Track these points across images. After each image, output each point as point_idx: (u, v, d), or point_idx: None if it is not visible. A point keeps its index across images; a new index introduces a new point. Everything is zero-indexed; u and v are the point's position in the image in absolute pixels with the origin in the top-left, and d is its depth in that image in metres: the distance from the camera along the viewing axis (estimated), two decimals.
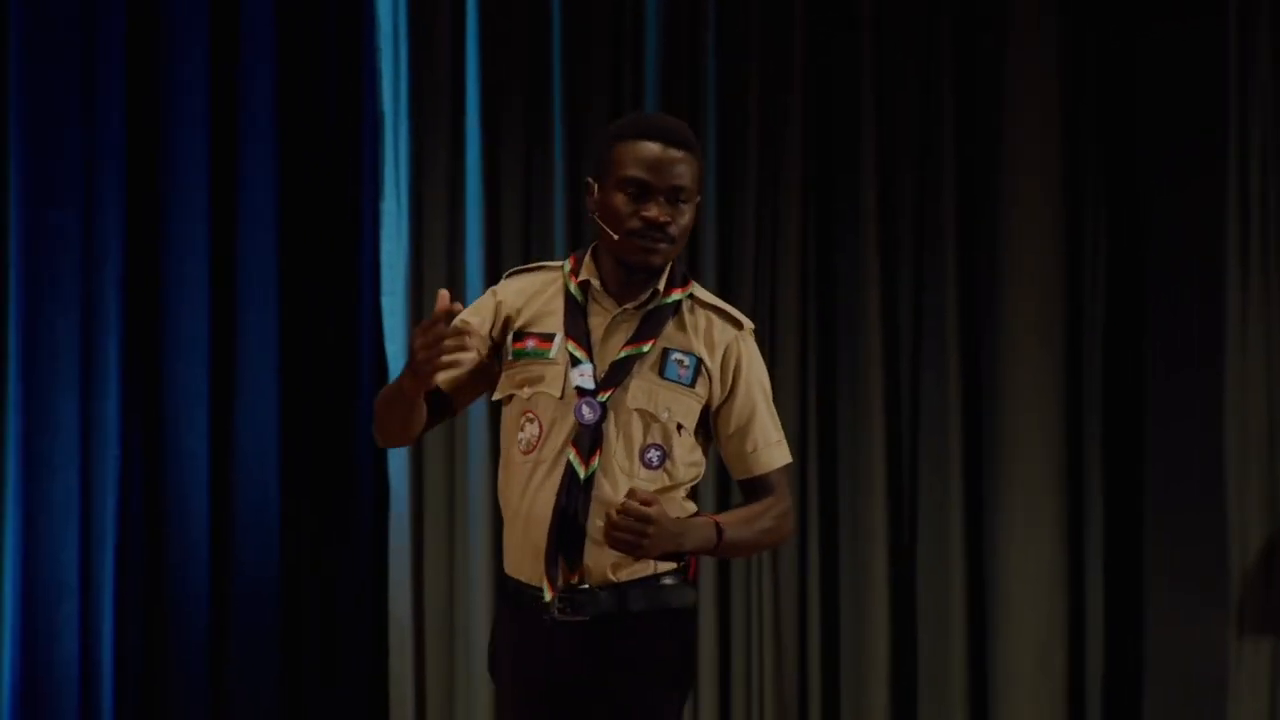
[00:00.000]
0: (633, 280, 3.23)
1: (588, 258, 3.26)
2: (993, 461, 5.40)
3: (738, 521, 3.26)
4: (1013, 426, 5.37)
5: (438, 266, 5.46)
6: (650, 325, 3.23)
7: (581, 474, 3.16)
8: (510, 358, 3.24)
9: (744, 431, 3.28)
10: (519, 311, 3.26)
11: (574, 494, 3.16)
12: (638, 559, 3.14)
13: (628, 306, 3.22)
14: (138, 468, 5.38)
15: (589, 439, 3.17)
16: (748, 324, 3.32)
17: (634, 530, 3.06)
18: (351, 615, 5.48)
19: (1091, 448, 5.37)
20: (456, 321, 3.09)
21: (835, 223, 5.51)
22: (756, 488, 3.32)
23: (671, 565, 3.22)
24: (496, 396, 3.25)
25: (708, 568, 5.41)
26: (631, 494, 3.08)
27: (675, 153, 3.18)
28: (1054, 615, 5.35)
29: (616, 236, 3.17)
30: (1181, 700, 5.30)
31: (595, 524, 3.15)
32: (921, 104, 5.46)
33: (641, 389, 3.21)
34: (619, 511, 3.07)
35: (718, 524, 3.21)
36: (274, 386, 5.45)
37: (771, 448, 3.31)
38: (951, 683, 5.38)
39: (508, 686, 3.26)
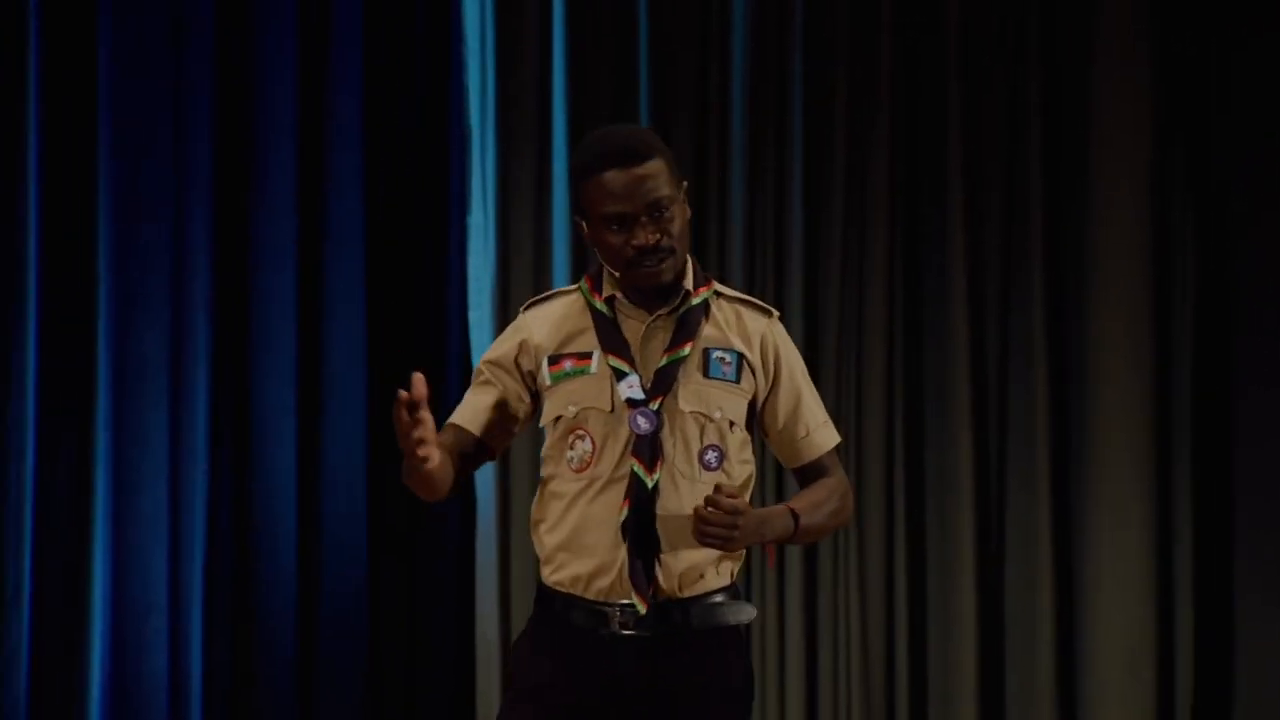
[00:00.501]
0: (660, 287, 3.20)
1: (605, 274, 3.22)
2: (1080, 475, 5.39)
3: (809, 507, 3.21)
4: (1101, 442, 5.35)
5: (524, 279, 5.46)
6: (686, 328, 3.19)
7: (649, 484, 3.13)
8: (549, 383, 3.19)
9: (794, 418, 3.27)
10: (547, 338, 3.21)
11: (642, 505, 3.13)
12: (729, 552, 3.12)
13: (660, 313, 3.19)
14: (226, 482, 5.39)
15: (649, 448, 3.14)
16: (774, 311, 3.31)
17: (725, 524, 3.02)
18: (438, 631, 5.48)
19: (1180, 465, 5.36)
20: (482, 364, 3.19)
21: (922, 236, 5.50)
22: (814, 472, 3.30)
23: (726, 581, 3.19)
24: (543, 422, 3.21)
25: (793, 578, 5.41)
26: (718, 489, 3.04)
27: (638, 170, 3.10)
28: (1144, 628, 5.33)
29: (619, 273, 3.16)
30: (1273, 716, 5.28)
31: (663, 535, 3.13)
32: (1008, 114, 5.45)
33: (691, 391, 3.18)
34: (708, 506, 3.03)
35: (793, 511, 3.17)
36: (361, 401, 5.45)
37: (821, 429, 3.30)
38: (1040, 693, 5.37)
39: (542, 707, 3.15)
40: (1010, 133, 5.45)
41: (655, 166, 3.11)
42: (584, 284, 3.24)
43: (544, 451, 3.22)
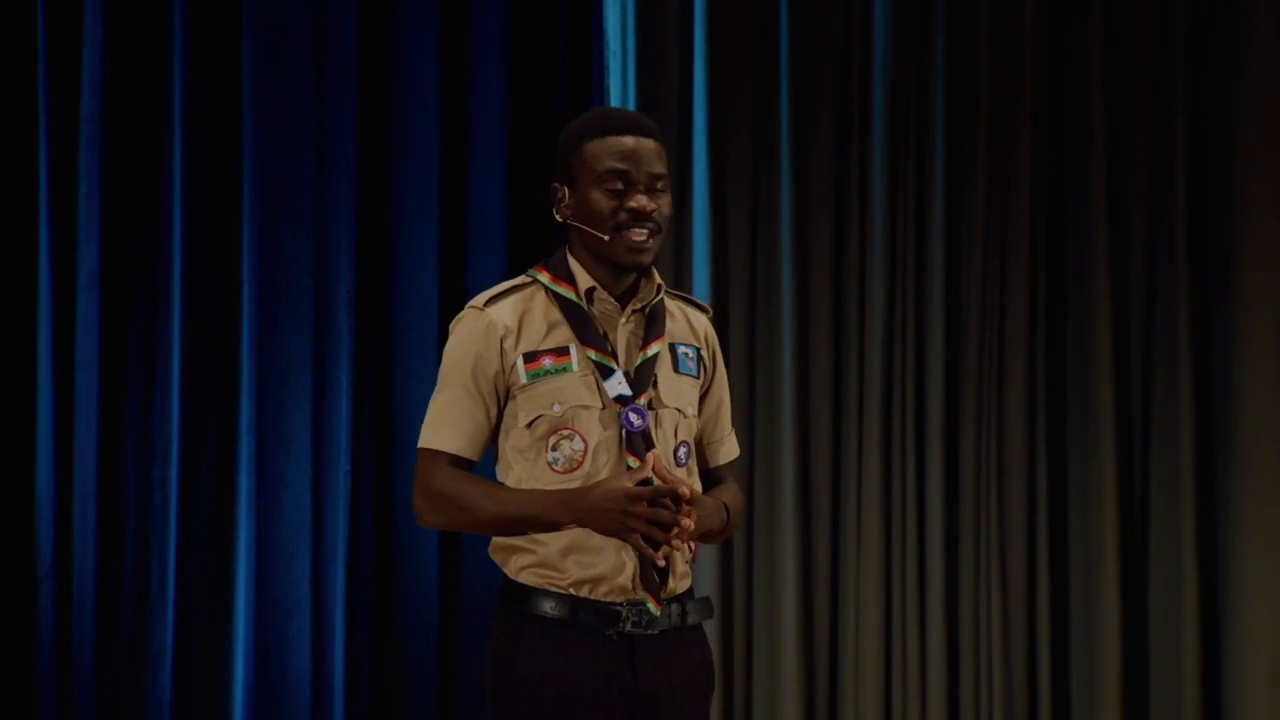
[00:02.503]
0: (624, 280, 3.16)
1: (572, 264, 3.17)
2: (1226, 482, 5.33)
3: (730, 503, 3.22)
4: (1247, 449, 5.31)
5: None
6: (656, 323, 3.17)
7: (650, 482, 3.09)
8: (525, 381, 3.12)
9: (717, 417, 3.28)
10: (518, 335, 3.14)
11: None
12: (713, 541, 3.15)
13: (637, 308, 3.16)
14: (368, 482, 5.41)
15: (644, 445, 3.11)
16: (709, 307, 3.32)
17: (687, 524, 3.03)
18: None
19: None
20: (459, 374, 3.12)
21: (1064, 244, 5.46)
22: (720, 477, 3.31)
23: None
24: (518, 423, 3.12)
25: (934, 584, 5.39)
26: (676, 490, 3.03)
27: (648, 142, 3.12)
28: None
29: (606, 236, 3.10)
30: None
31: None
32: (1154, 116, 5.41)
33: (670, 387, 3.16)
34: (687, 502, 3.03)
35: (725, 506, 3.19)
36: None
37: (729, 439, 3.33)
38: (1184, 704, 5.32)
39: (551, 711, 3.11)
40: (1155, 135, 5.40)
41: (659, 147, 3.14)
42: (542, 275, 3.18)
43: (508, 452, 3.15)
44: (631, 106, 5.46)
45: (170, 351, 5.28)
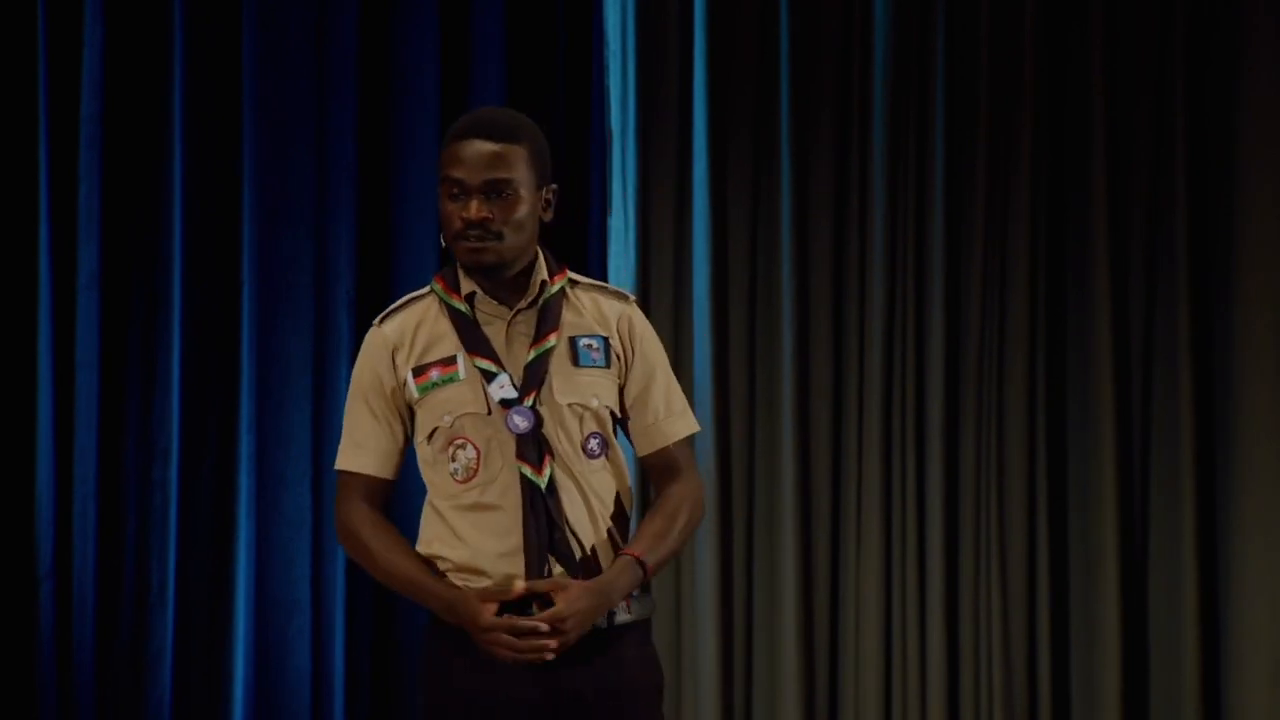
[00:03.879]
0: (510, 281, 3.13)
1: (459, 272, 3.15)
2: (1226, 482, 5.32)
3: (653, 542, 3.14)
4: (1248, 449, 5.28)
5: (664, 282, 5.48)
6: (548, 318, 3.14)
7: (541, 484, 3.08)
8: (417, 396, 3.11)
9: (644, 400, 3.19)
10: (409, 349, 3.13)
11: (539, 506, 3.08)
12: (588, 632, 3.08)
13: (520, 307, 3.13)
14: None
15: (534, 447, 3.09)
16: (632, 296, 3.28)
17: (556, 640, 3.02)
18: None
19: None
20: (359, 396, 3.15)
21: (1064, 244, 5.45)
22: (662, 466, 3.22)
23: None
24: (419, 438, 3.13)
25: (934, 586, 5.38)
26: (536, 608, 3.03)
27: (490, 146, 3.08)
28: None
29: (444, 242, 3.11)
30: None
31: (568, 533, 3.09)
32: (1154, 116, 5.39)
33: (565, 382, 3.12)
34: (524, 636, 3.01)
35: (638, 559, 3.11)
36: None
37: (674, 418, 3.22)
38: (1184, 704, 5.32)
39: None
40: (1155, 135, 5.39)
41: (513, 150, 3.09)
42: (436, 284, 3.17)
43: (423, 468, 3.16)
44: (631, 107, 5.45)
45: (170, 351, 5.28)
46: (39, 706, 5.10)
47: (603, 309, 3.21)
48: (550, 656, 3.02)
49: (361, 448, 3.15)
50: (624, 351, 3.20)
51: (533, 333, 3.13)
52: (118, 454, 5.25)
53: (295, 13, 5.37)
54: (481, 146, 3.08)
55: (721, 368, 5.45)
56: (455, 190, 3.08)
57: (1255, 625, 5.28)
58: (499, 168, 3.08)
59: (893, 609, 5.42)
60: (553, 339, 3.13)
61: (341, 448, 3.19)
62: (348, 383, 5.24)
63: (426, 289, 3.19)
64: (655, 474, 3.25)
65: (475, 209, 3.06)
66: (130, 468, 5.27)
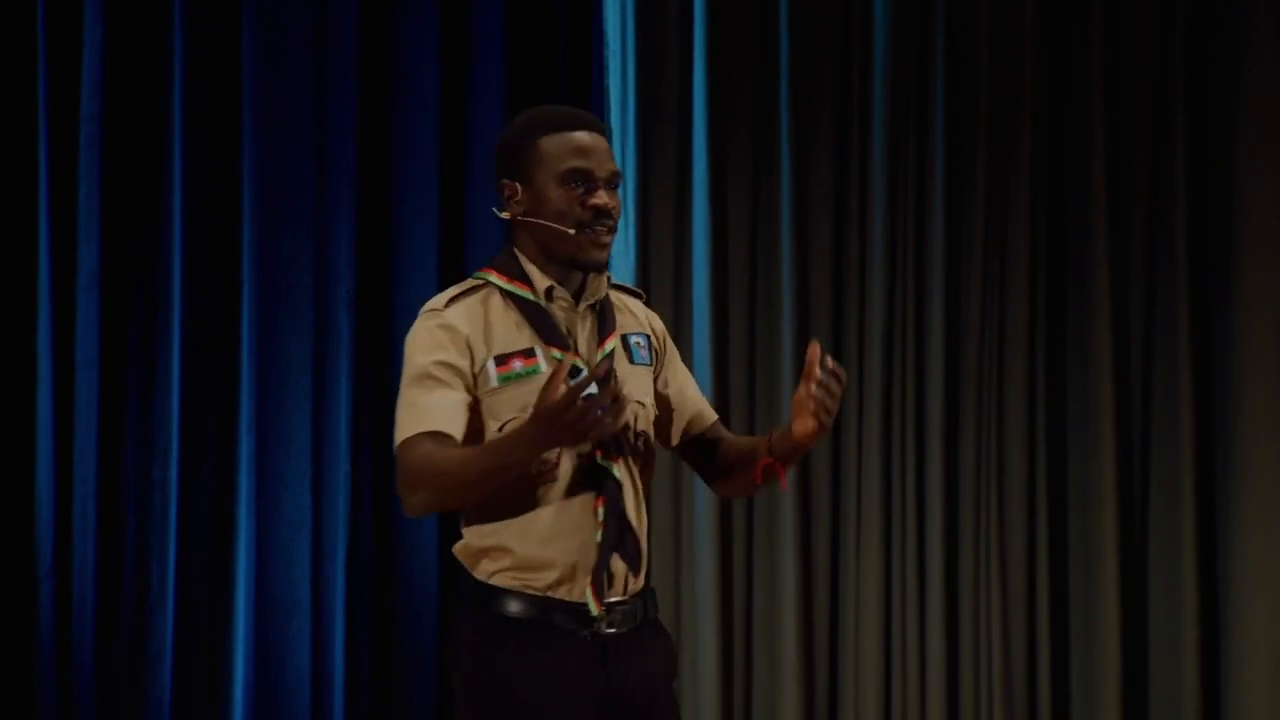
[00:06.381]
0: (576, 278, 3.11)
1: (524, 263, 3.11)
2: (1226, 481, 5.34)
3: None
4: (1247, 448, 5.31)
5: (664, 281, 5.48)
6: (607, 317, 3.13)
7: (622, 479, 3.07)
8: (495, 385, 3.03)
9: (688, 382, 3.27)
10: (482, 337, 3.06)
11: (614, 501, 3.06)
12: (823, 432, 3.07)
13: (591, 303, 3.12)
14: (368, 482, 5.41)
15: (616, 442, 3.07)
16: (641, 292, 3.30)
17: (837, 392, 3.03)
18: None
19: None
20: (429, 364, 3.00)
21: (1064, 243, 5.46)
22: (717, 432, 3.28)
23: None
24: (492, 426, 3.04)
25: (934, 585, 5.38)
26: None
27: (602, 140, 3.09)
28: None
29: (571, 231, 3.04)
30: None
31: (631, 528, 3.08)
32: (1154, 116, 5.41)
33: (630, 380, 3.12)
34: (832, 372, 3.01)
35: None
36: None
37: (706, 402, 3.33)
38: (1183, 704, 5.32)
39: (526, 712, 3.05)
40: (1155, 136, 5.40)
41: (609, 145, 3.12)
42: (494, 276, 3.12)
43: None
44: (631, 106, 5.46)
45: (170, 351, 5.27)
46: (39, 706, 5.10)
47: (632, 307, 3.24)
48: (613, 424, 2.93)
49: (428, 411, 3.00)
50: (660, 348, 3.24)
51: (596, 329, 3.12)
52: (118, 454, 5.25)
53: (295, 13, 5.37)
54: (598, 140, 3.09)
55: (721, 368, 5.45)
56: (578, 180, 3.05)
57: (1255, 625, 5.28)
58: (612, 162, 3.10)
59: (892, 609, 5.42)
60: (614, 339, 3.13)
61: (402, 423, 3.03)
62: (348, 383, 5.38)
63: (477, 281, 3.12)
64: (720, 439, 3.27)
65: (608, 199, 3.06)
66: (130, 467, 5.26)
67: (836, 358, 5.45)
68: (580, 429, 2.85)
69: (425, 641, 5.42)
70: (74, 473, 5.17)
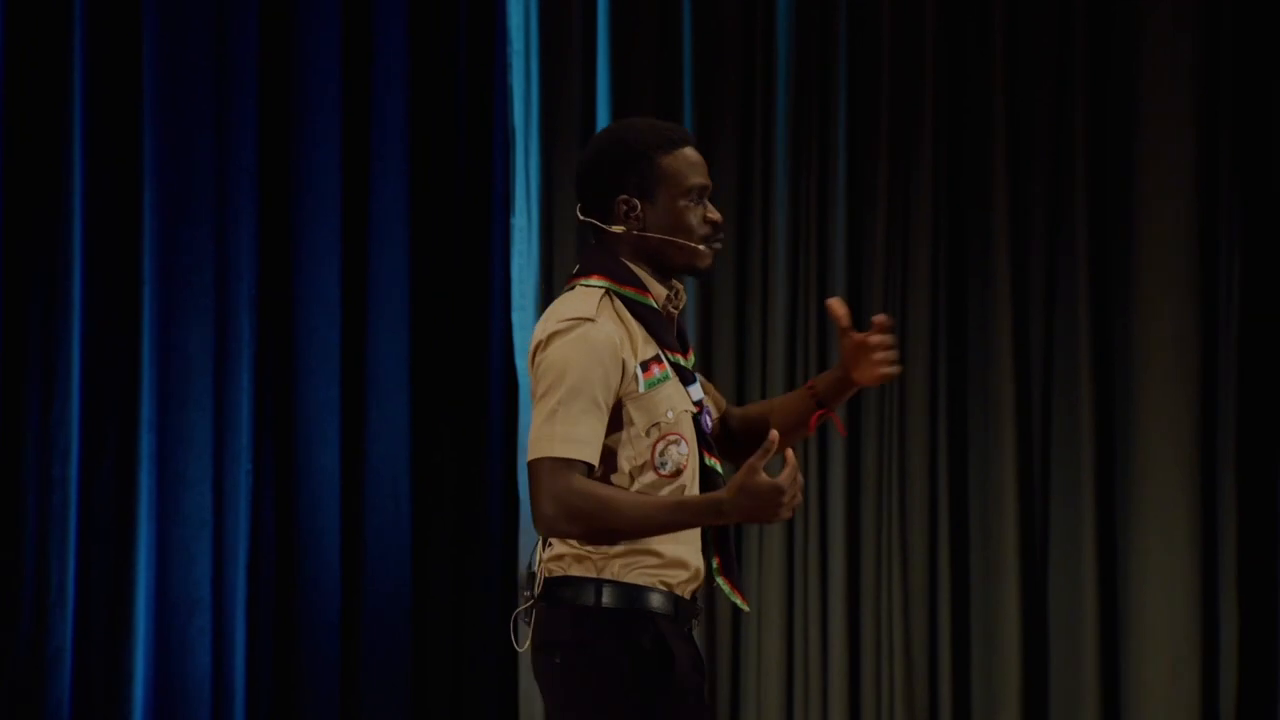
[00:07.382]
0: (670, 286, 3.18)
1: (637, 271, 3.16)
2: (1125, 480, 5.38)
3: None
4: (1146, 447, 5.34)
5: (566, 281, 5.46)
6: (683, 324, 3.23)
7: (725, 479, 3.13)
8: (642, 390, 3.09)
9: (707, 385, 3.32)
10: (628, 344, 3.10)
11: None
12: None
13: (680, 310, 3.20)
14: (269, 482, 5.40)
15: (713, 444, 3.18)
16: None
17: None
18: (482, 632, 5.49)
19: (1225, 470, 5.33)
20: (595, 388, 3.04)
21: (965, 244, 5.49)
22: (732, 410, 3.38)
23: None
24: (638, 430, 3.08)
25: (835, 586, 5.40)
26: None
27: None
28: (1188, 632, 5.31)
29: (700, 247, 3.13)
30: None
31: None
32: (1053, 120, 5.44)
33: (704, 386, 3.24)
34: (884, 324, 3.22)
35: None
36: (405, 403, 5.46)
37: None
38: (1083, 699, 5.36)
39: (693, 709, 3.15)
40: (1055, 139, 5.43)
41: None
42: (614, 285, 3.15)
43: (621, 461, 3.10)
44: (535, 105, 5.46)
45: (70, 349, 5.24)
46: None
47: None
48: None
49: (589, 438, 3.03)
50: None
51: (679, 337, 3.20)
52: (17, 452, 5.22)
53: (196, 10, 5.35)
54: (700, 154, 3.20)
55: None
56: (699, 195, 3.15)
57: (1154, 623, 5.33)
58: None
59: (795, 607, 5.44)
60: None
61: (563, 436, 3.02)
62: (250, 382, 5.36)
63: (597, 289, 3.14)
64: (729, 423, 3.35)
65: (716, 213, 3.18)
66: (30, 466, 5.23)
67: (739, 361, 5.48)
68: (791, 508, 2.97)
69: (327, 642, 5.41)
70: None
